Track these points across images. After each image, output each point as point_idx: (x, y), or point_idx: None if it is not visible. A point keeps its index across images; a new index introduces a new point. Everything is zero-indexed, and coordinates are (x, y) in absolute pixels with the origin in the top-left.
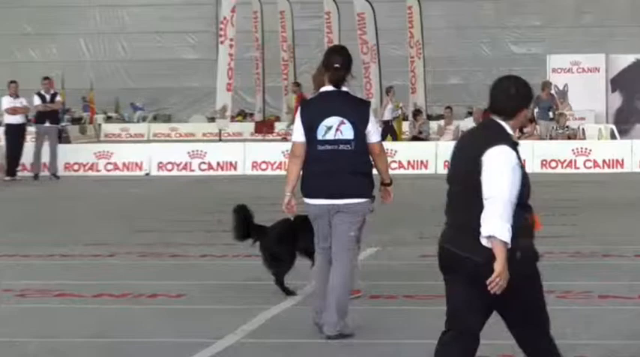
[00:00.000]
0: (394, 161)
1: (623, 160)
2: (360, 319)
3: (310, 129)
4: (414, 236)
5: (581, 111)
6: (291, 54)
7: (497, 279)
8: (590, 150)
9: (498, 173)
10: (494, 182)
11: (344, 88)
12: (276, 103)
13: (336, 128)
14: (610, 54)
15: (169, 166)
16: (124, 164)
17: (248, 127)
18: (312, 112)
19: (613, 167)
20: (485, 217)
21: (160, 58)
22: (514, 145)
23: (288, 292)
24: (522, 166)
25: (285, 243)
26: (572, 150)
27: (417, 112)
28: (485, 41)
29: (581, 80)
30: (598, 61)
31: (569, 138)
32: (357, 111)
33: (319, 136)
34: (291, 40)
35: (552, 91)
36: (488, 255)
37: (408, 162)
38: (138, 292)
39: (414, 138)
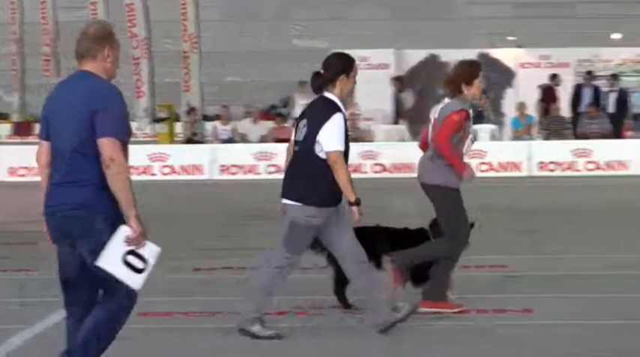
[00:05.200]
0: (167, 166)
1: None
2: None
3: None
4: (187, 249)
5: (369, 111)
6: (54, 48)
7: None
8: (379, 153)
9: None
10: None
11: (327, 94)
12: (37, 103)
13: (301, 130)
14: (400, 49)
15: None
16: None
17: (4, 129)
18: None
19: (404, 171)
20: None
21: None
22: None
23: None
24: None
25: None
26: (359, 153)
27: (190, 111)
28: (266, 35)
29: (368, 77)
30: (387, 56)
31: (356, 140)
32: (317, 114)
33: (295, 137)
34: (54, 33)
35: None
36: None
37: (182, 167)
38: None
39: (189, 140)
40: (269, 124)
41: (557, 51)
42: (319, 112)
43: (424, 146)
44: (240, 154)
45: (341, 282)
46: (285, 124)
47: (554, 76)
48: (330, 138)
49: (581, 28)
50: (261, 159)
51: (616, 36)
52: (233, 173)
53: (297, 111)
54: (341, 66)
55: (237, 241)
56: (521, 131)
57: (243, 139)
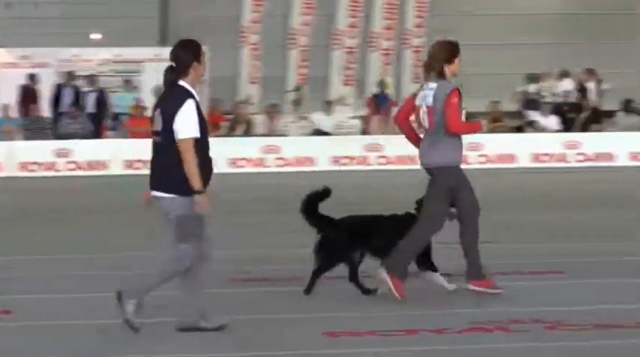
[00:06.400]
0: None
1: None
2: None
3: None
4: None
5: None
6: None
7: None
8: None
9: None
10: None
11: (179, 82)
12: None
13: (157, 119)
14: None
15: None
16: None
17: None
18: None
19: None
20: None
21: None
22: None
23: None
24: None
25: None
26: None
27: None
28: None
29: None
30: None
31: None
32: (170, 102)
33: (154, 127)
34: None
35: None
36: None
37: None
38: None
39: None
40: None
41: (38, 51)
42: (172, 100)
43: (402, 122)
44: None
45: (355, 269)
46: None
47: (32, 76)
48: (182, 126)
49: (61, 28)
50: None
51: (96, 36)
52: None
53: None
54: (191, 55)
55: None
56: (6, 129)
57: None
